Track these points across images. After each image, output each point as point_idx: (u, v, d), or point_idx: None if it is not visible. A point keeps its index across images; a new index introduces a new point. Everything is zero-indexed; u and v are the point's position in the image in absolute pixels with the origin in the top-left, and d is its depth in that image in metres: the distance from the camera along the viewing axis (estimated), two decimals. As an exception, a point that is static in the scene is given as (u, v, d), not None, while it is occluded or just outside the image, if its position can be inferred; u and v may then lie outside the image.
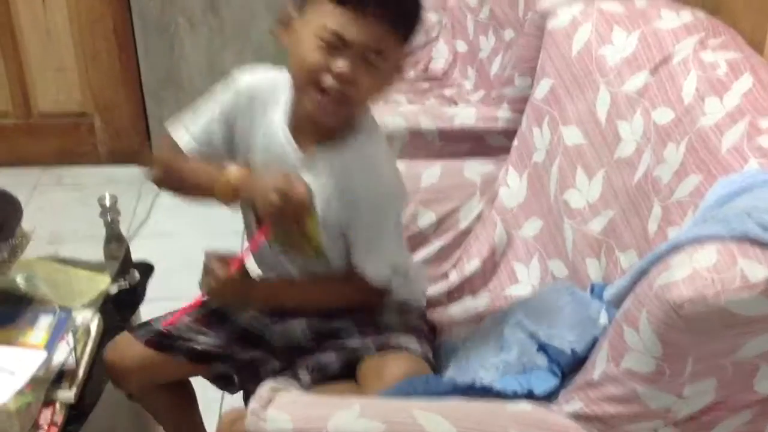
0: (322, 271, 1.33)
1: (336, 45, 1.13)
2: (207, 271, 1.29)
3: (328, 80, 1.14)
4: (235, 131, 1.30)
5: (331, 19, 1.13)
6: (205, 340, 1.39)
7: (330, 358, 1.31)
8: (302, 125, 1.24)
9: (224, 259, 1.28)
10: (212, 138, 1.30)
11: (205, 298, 1.35)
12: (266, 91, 1.27)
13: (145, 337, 1.39)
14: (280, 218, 1.21)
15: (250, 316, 1.40)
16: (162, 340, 1.38)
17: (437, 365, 1.35)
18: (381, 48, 1.14)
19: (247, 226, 1.39)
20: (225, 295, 1.31)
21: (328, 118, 1.19)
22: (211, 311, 1.41)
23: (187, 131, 1.32)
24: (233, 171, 1.25)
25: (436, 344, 1.42)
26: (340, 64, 1.13)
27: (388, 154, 1.32)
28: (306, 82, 1.16)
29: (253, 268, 1.38)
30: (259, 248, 1.30)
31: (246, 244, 1.38)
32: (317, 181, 1.23)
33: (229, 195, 1.25)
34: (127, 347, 1.39)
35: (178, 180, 1.32)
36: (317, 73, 1.14)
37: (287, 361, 1.34)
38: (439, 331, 1.47)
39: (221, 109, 1.30)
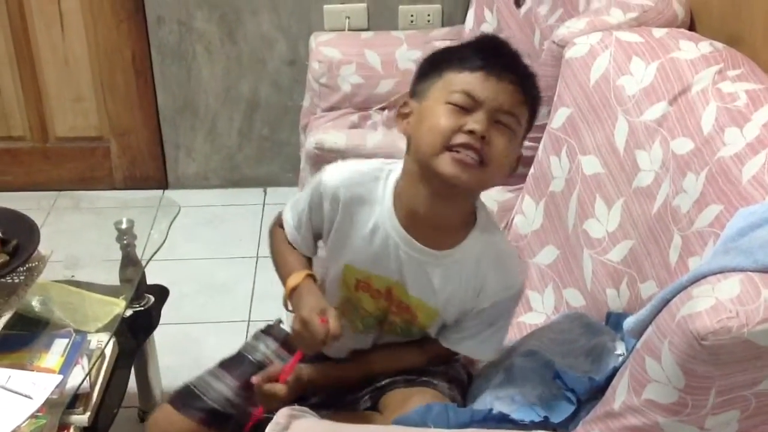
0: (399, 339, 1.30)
1: (468, 105, 1.12)
2: (264, 397, 1.24)
3: (462, 138, 1.11)
4: (325, 233, 1.26)
5: (460, 84, 1.13)
6: (224, 390, 1.32)
7: (362, 398, 1.30)
8: (414, 220, 1.19)
9: (272, 377, 1.24)
10: (305, 235, 1.28)
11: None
12: (363, 187, 1.22)
13: (197, 416, 1.29)
14: (299, 342, 1.19)
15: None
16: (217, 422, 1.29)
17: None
18: (513, 110, 1.14)
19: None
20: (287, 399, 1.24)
21: (461, 179, 1.11)
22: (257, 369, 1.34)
23: (289, 224, 1.31)
24: (293, 278, 1.23)
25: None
26: (476, 119, 1.11)
27: (512, 248, 1.30)
28: (440, 146, 1.11)
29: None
30: (295, 368, 1.25)
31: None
32: (436, 277, 1.20)
33: (286, 297, 1.25)
34: (172, 425, 1.29)
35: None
36: (451, 134, 1.11)
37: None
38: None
39: (313, 212, 1.26)
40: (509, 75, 1.14)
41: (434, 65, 1.18)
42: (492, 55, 1.16)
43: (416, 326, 1.27)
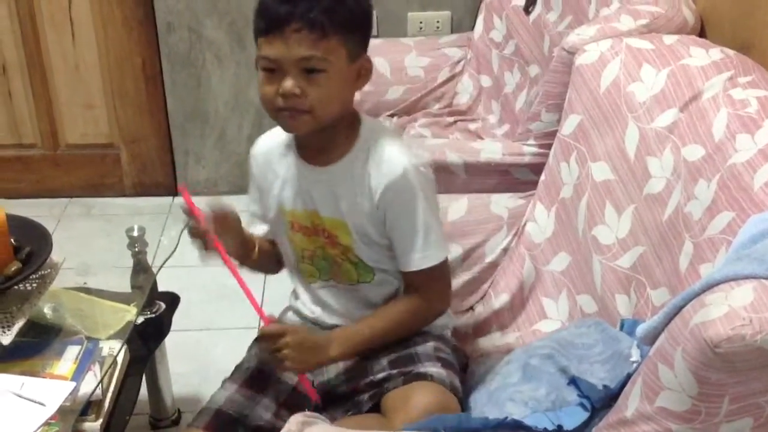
0: (377, 294, 1.37)
1: (274, 67, 1.23)
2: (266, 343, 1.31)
3: (280, 101, 1.23)
4: (264, 190, 1.41)
5: (261, 50, 1.24)
6: (260, 414, 1.34)
7: (363, 398, 1.32)
8: (307, 153, 1.34)
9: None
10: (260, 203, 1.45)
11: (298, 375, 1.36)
12: (277, 143, 1.38)
13: (205, 421, 1.33)
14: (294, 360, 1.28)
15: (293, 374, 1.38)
16: (223, 425, 1.32)
17: (465, 393, 1.34)
18: (312, 54, 1.20)
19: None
20: (305, 363, 1.31)
21: (300, 131, 1.29)
22: (255, 373, 1.39)
23: (255, 217, 1.47)
24: None
25: (468, 372, 1.41)
26: (284, 84, 1.22)
27: (396, 141, 1.33)
28: (272, 111, 1.26)
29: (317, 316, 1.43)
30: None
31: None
32: (337, 189, 1.31)
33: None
34: None
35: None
36: (273, 99, 1.24)
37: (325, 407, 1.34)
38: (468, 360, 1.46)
39: (253, 182, 1.44)
40: (290, 25, 1.20)
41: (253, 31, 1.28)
42: (271, 12, 1.22)
43: (347, 251, 1.35)
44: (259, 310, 1.29)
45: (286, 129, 1.30)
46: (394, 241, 1.33)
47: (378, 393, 1.30)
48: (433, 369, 1.30)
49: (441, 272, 1.35)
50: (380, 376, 1.31)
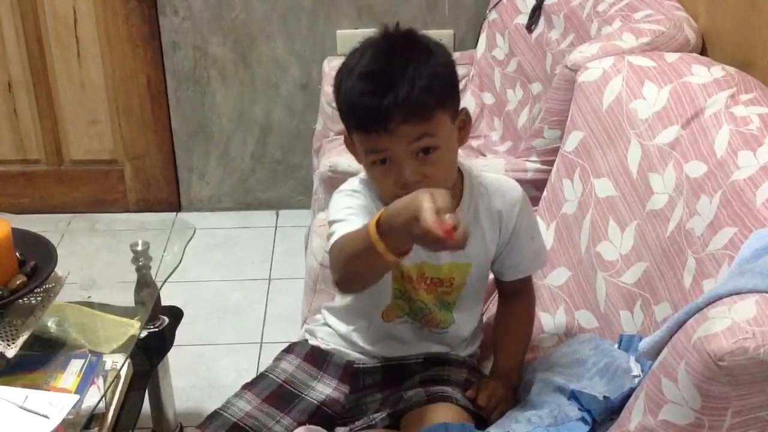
0: (455, 336, 1.40)
1: (386, 158, 1.18)
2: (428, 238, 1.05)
3: (407, 189, 1.13)
4: None
5: (366, 146, 1.19)
6: (280, 429, 1.32)
7: (379, 414, 1.31)
8: None
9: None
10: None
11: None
12: (372, 198, 1.28)
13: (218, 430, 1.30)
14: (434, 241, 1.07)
15: (323, 393, 1.37)
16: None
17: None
18: (421, 134, 1.16)
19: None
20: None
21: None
22: (278, 389, 1.37)
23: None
24: (371, 223, 1.13)
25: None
26: (405, 177, 1.17)
27: (490, 171, 1.40)
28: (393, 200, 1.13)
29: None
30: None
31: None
32: (474, 233, 1.27)
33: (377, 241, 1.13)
34: None
35: None
36: (397, 191, 1.16)
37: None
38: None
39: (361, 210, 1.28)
40: (395, 117, 1.14)
41: (341, 117, 1.23)
42: (370, 108, 1.15)
43: (452, 289, 1.34)
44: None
45: None
46: (511, 253, 1.36)
47: (400, 410, 1.29)
48: (459, 395, 1.31)
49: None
50: (409, 393, 1.31)
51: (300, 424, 1.32)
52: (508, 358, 1.40)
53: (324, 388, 1.37)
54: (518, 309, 1.44)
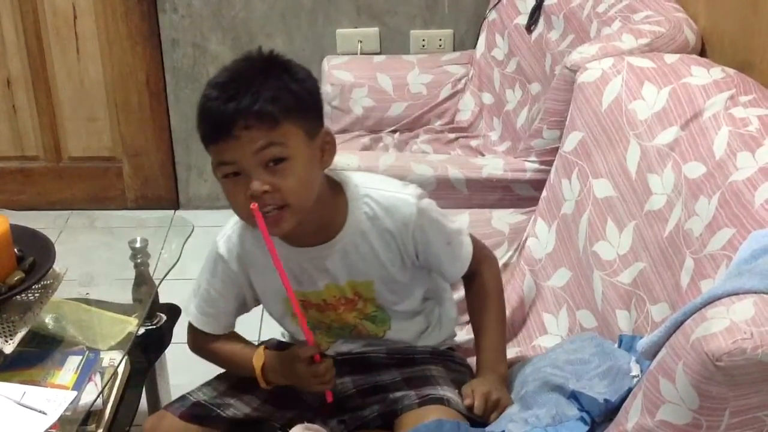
0: (405, 331, 1.38)
1: (234, 170, 1.16)
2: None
3: (253, 205, 1.14)
4: (247, 290, 1.35)
5: (214, 157, 1.18)
6: (240, 406, 1.35)
7: (372, 411, 1.31)
8: (300, 240, 1.26)
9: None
10: (225, 309, 1.37)
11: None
12: (249, 240, 1.30)
13: (180, 410, 1.34)
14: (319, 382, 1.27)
15: None
16: (198, 411, 1.34)
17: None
18: (271, 141, 1.13)
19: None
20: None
21: (286, 230, 1.19)
22: (247, 378, 1.37)
23: (210, 318, 1.38)
24: (255, 359, 1.31)
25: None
26: (252, 186, 1.14)
27: (384, 184, 1.31)
28: (247, 219, 1.18)
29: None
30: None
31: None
32: (350, 257, 1.27)
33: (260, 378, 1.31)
34: (165, 423, 1.34)
35: None
36: (245, 205, 1.15)
37: (328, 417, 1.33)
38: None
39: (216, 285, 1.35)
40: (239, 122, 1.13)
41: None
42: (215, 114, 1.15)
43: (365, 307, 1.33)
44: None
45: (272, 233, 1.18)
46: (435, 264, 1.33)
47: (392, 412, 1.29)
48: (450, 393, 1.30)
49: (475, 244, 1.38)
50: (398, 394, 1.31)
51: (267, 403, 1.35)
52: (489, 351, 1.37)
53: None
54: (478, 289, 1.40)
